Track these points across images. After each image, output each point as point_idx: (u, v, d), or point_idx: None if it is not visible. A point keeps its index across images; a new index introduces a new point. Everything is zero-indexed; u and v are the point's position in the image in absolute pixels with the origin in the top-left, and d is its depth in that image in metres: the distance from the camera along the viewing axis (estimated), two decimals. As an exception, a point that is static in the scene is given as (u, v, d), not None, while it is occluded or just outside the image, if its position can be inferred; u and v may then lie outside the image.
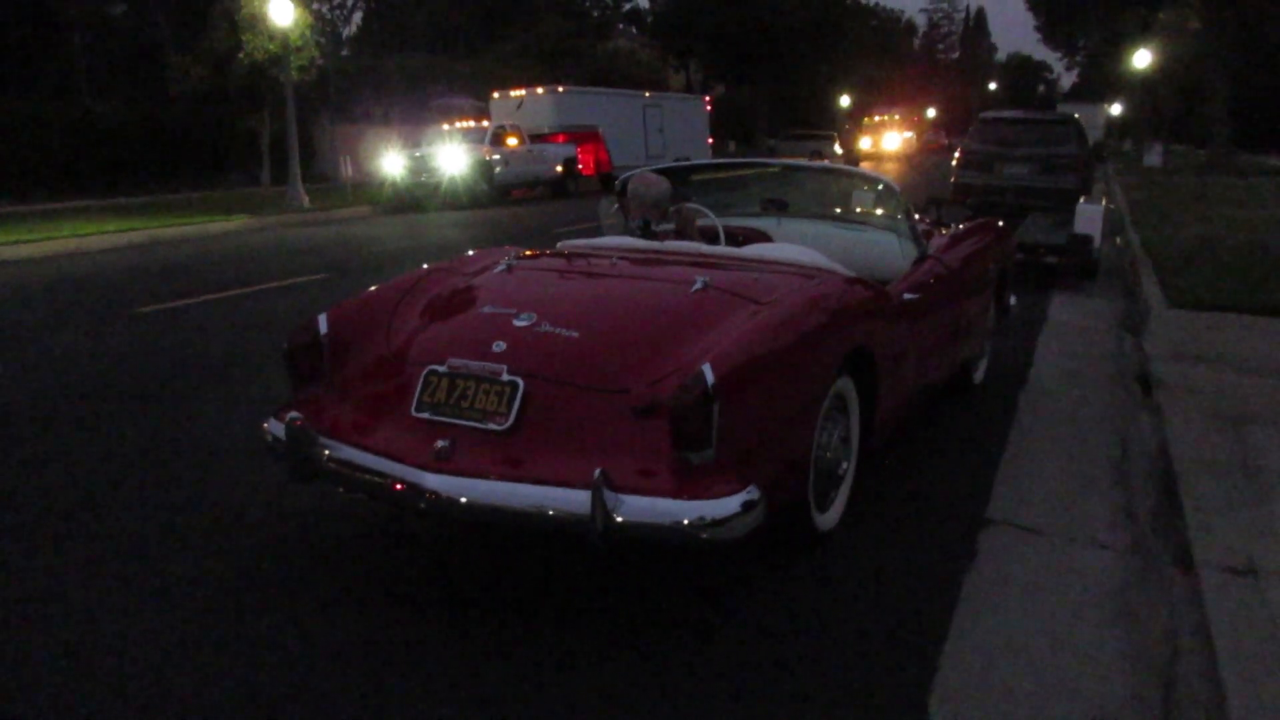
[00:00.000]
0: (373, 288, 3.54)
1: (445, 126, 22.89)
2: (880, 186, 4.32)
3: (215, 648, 2.81)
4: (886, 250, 4.42)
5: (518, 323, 3.02)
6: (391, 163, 21.32)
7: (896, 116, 55.43)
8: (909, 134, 56.36)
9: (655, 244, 3.90)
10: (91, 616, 3.00)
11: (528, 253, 3.91)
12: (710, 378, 2.59)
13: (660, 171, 4.68)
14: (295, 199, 20.00)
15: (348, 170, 22.24)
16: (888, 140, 52.25)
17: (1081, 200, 9.69)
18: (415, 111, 32.11)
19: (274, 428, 3.07)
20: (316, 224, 18.29)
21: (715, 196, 4.91)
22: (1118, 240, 12.81)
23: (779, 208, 4.84)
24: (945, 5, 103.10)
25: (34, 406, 5.44)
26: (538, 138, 24.33)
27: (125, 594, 3.14)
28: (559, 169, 23.61)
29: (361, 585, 3.19)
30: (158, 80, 23.39)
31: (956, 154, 13.95)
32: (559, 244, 4.14)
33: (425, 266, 3.73)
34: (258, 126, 23.13)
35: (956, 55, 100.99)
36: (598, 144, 25.29)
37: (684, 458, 2.62)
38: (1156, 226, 13.03)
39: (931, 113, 68.51)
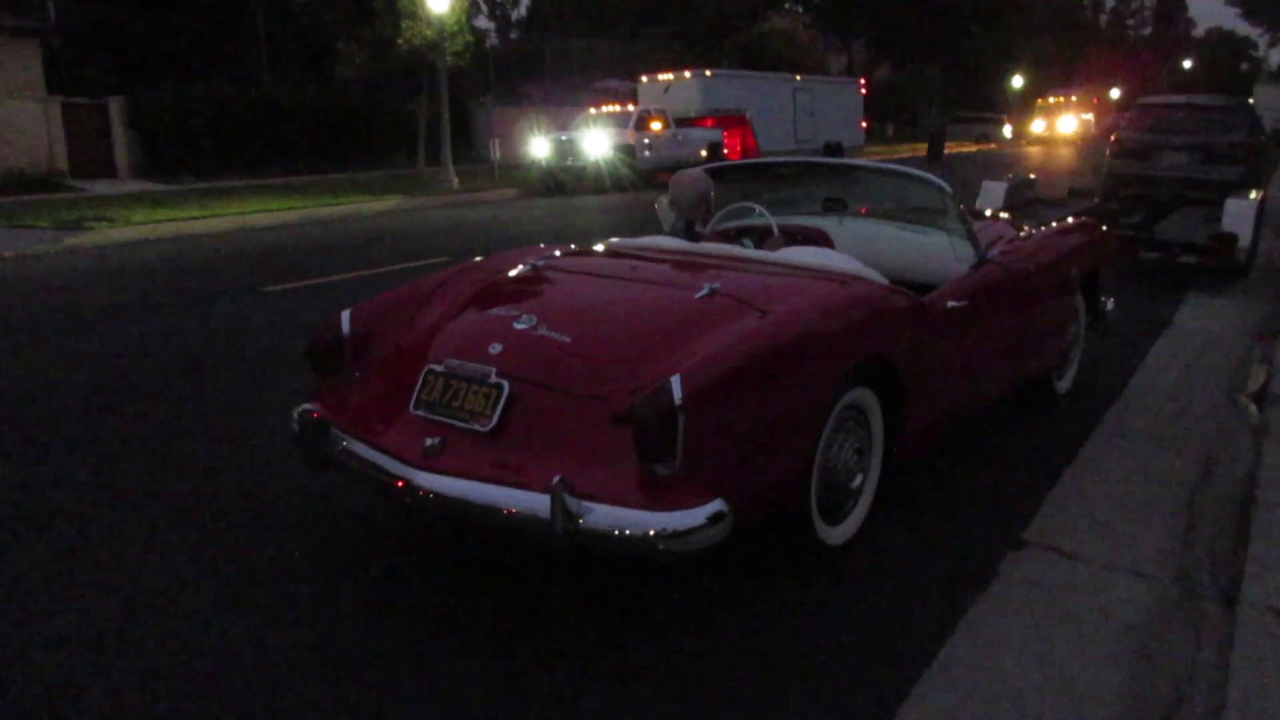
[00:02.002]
0: (401, 285, 3.68)
1: (592, 110, 23.24)
2: (934, 188, 4.15)
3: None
4: (942, 254, 4.25)
5: (517, 325, 3.08)
6: (539, 146, 21.84)
7: (1074, 98, 52.34)
8: (1088, 116, 53.18)
9: (691, 245, 3.89)
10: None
11: (557, 252, 3.97)
12: (677, 390, 2.58)
13: (718, 171, 4.65)
14: (446, 181, 20.77)
15: (496, 152, 22.89)
16: (1064, 123, 49.49)
17: (1231, 195, 8.96)
18: (574, 94, 32.74)
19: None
20: (462, 205, 18.94)
21: (780, 194, 4.83)
22: (1286, 239, 11.79)
23: (840, 207, 4.72)
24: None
25: (127, 384, 5.92)
26: (684, 122, 24.35)
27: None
28: (703, 153, 23.56)
29: (371, 583, 3.36)
30: (330, 66, 24.70)
31: (1110, 140, 13.16)
32: (607, 242, 4.18)
33: (456, 265, 3.84)
34: (415, 110, 24.06)
35: (1149, 31, 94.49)
36: (745, 129, 25.07)
37: (650, 468, 2.63)
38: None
39: (1116, 93, 64.42)
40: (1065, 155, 35.83)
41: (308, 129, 27.17)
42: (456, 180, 20.96)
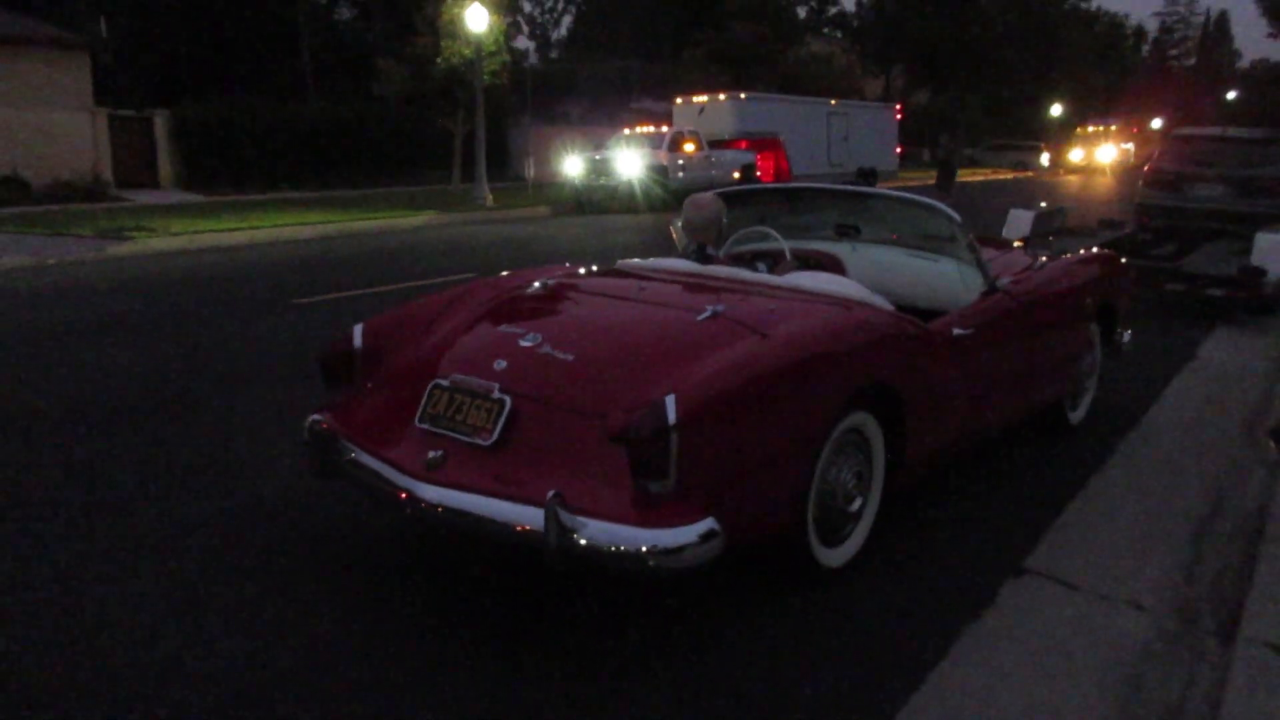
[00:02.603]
0: (415, 300, 3.77)
1: (626, 131, 23.43)
2: (944, 217, 4.19)
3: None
4: (952, 282, 4.28)
5: (522, 343, 3.15)
6: (572, 164, 22.05)
7: (1113, 127, 51.95)
8: (1128, 146, 52.72)
9: (700, 268, 3.95)
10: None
11: (569, 272, 4.04)
12: (671, 409, 2.64)
13: (731, 195, 4.71)
14: (480, 197, 21.01)
15: (530, 171, 23.13)
16: (1103, 153, 49.11)
17: (1263, 229, 8.88)
18: (611, 114, 33.02)
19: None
20: (494, 222, 19.14)
21: (792, 219, 4.88)
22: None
23: (853, 233, 4.76)
24: (1182, 8, 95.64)
25: (150, 392, 6.06)
26: (718, 143, 24.48)
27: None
28: (736, 175, 23.65)
29: (380, 584, 3.44)
30: (371, 83, 25.16)
31: (1144, 171, 13.09)
32: (618, 263, 4.26)
33: (470, 282, 3.93)
34: (451, 127, 24.40)
35: (1193, 62, 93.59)
36: (778, 151, 25.13)
37: (644, 485, 2.68)
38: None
39: (1157, 123, 63.79)
40: (1103, 185, 35.58)
41: (346, 144, 27.67)
42: (491, 197, 21.20)
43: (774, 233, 4.48)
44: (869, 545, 3.54)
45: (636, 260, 4.15)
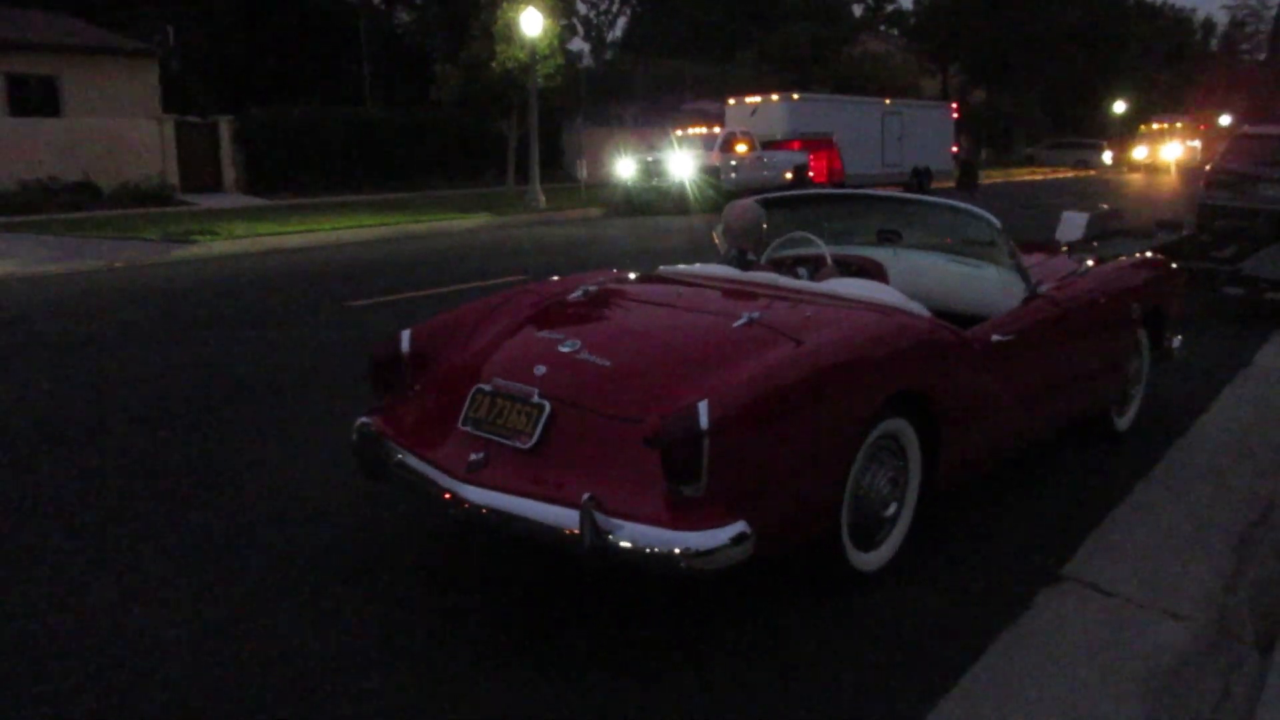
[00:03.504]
0: (461, 306, 3.89)
1: (678, 132, 23.49)
2: (984, 222, 4.19)
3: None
4: (994, 287, 4.28)
5: (562, 349, 3.24)
6: (624, 166, 22.17)
7: (1179, 124, 50.68)
8: (1194, 143, 51.41)
9: (739, 274, 4.01)
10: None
11: (611, 278, 4.12)
12: (704, 413, 2.70)
13: (773, 201, 4.76)
14: (533, 199, 21.24)
15: (583, 172, 23.31)
16: (1168, 150, 47.96)
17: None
18: (665, 116, 33.07)
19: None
20: (548, 224, 19.34)
21: (835, 225, 4.92)
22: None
23: (895, 238, 4.78)
24: (1253, 1, 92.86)
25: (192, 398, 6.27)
26: (771, 144, 24.43)
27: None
28: (788, 176, 23.59)
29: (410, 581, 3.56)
30: (429, 87, 25.58)
31: (1206, 170, 12.81)
32: (659, 269, 4.33)
33: (515, 288, 4.04)
34: (505, 130, 24.68)
35: (1264, 57, 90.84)
36: (831, 152, 25.01)
37: (676, 489, 2.76)
38: None
39: (1226, 120, 62.13)
40: (1166, 184, 34.79)
41: (404, 148, 28.15)
42: (544, 199, 21.42)
43: (815, 238, 4.52)
44: (905, 550, 3.57)
45: (680, 266, 4.22)
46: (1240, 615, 3.37)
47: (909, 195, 4.89)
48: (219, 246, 14.40)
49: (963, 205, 4.39)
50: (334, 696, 2.80)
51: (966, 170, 27.56)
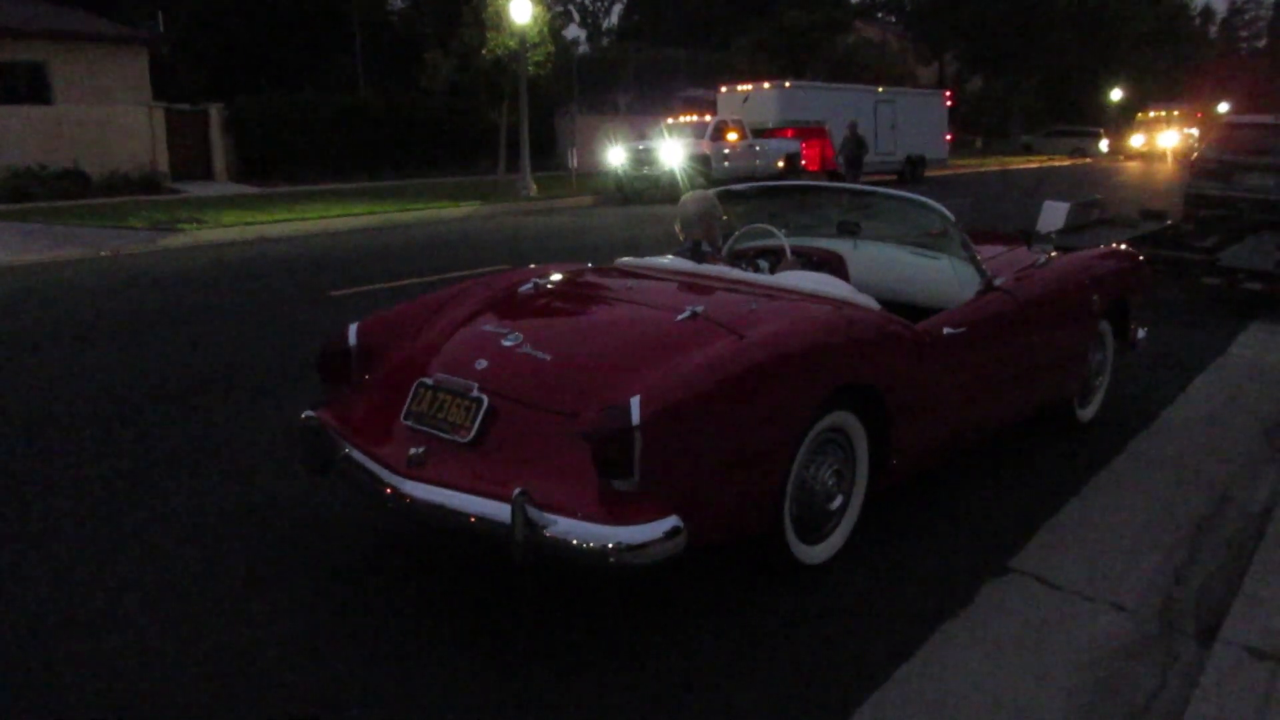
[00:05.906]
0: (412, 300, 3.87)
1: (669, 120, 23.43)
2: (936, 214, 4.19)
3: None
4: (950, 280, 4.28)
5: (504, 342, 3.24)
6: (615, 154, 22.13)
7: (1176, 112, 50.53)
8: (1192, 131, 51.27)
9: (692, 266, 4.00)
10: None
11: (567, 271, 4.11)
12: (635, 409, 2.70)
13: (735, 193, 4.75)
14: (524, 188, 21.20)
15: (574, 161, 23.26)
16: (1165, 138, 47.86)
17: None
18: (660, 103, 32.98)
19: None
20: (537, 213, 19.30)
21: (797, 217, 4.91)
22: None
23: (854, 230, 4.77)
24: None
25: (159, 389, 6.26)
26: (763, 132, 24.38)
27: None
28: (780, 164, 23.55)
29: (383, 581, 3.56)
30: (420, 74, 25.48)
31: (1193, 159, 12.80)
32: (617, 261, 4.32)
33: (468, 280, 4.02)
34: (496, 118, 24.61)
35: (1263, 44, 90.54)
36: (824, 140, 24.96)
37: (609, 483, 2.76)
38: None
39: (1225, 107, 61.93)
40: (1162, 172, 34.73)
41: (395, 135, 28.05)
42: (534, 187, 21.38)
43: (775, 230, 4.51)
44: (855, 541, 3.58)
45: (635, 258, 4.21)
46: (1184, 607, 3.38)
47: (866, 187, 4.88)
48: (206, 235, 14.37)
49: (917, 197, 4.38)
50: (294, 684, 2.81)
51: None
